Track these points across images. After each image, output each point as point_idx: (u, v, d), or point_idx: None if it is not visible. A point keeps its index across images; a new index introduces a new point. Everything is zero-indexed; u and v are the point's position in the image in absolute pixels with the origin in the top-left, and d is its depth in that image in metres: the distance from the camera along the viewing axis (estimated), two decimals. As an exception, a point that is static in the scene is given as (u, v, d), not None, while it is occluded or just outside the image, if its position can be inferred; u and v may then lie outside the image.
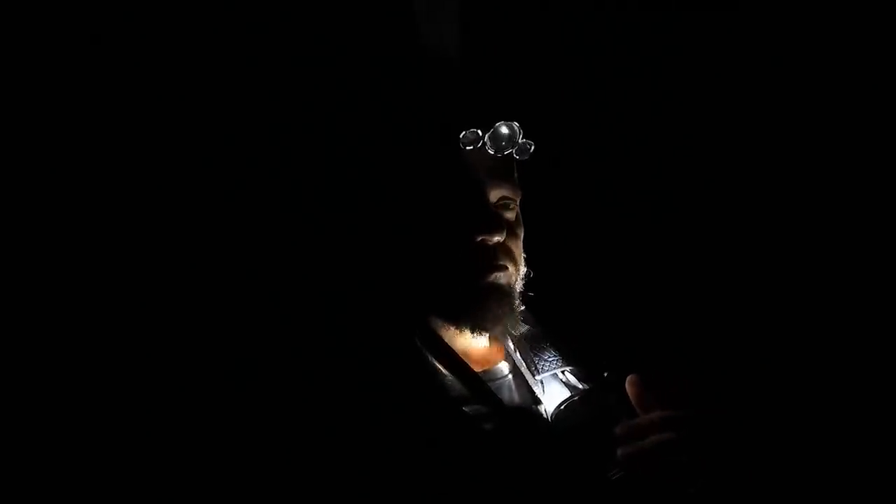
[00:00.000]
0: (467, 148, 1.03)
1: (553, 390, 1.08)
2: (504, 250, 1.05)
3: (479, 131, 1.02)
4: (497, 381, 1.07)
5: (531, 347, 1.13)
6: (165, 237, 1.27)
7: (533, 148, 1.06)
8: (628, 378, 0.90)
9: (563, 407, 1.01)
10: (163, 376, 1.23)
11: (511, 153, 1.05)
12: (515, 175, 1.09)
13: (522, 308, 1.09)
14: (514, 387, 1.08)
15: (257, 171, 1.30)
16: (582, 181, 1.44)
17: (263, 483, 0.96)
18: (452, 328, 1.06)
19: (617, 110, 1.45)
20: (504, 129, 1.02)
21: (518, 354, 1.12)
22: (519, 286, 1.08)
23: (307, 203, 1.28)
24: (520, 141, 1.04)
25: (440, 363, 1.04)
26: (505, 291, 1.05)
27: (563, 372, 1.11)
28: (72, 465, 1.19)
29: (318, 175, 1.25)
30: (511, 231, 1.06)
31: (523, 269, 1.10)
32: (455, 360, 1.04)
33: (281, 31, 1.30)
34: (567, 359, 1.13)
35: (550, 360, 1.12)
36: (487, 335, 1.08)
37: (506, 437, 0.96)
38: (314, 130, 1.26)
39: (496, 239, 1.03)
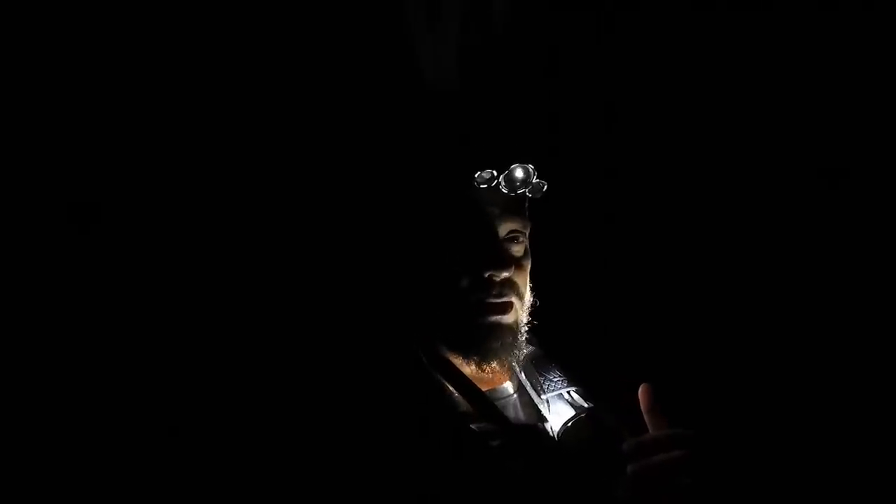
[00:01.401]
0: (481, 187, 1.07)
1: (559, 409, 1.14)
2: (510, 284, 1.10)
3: (495, 172, 1.07)
4: (503, 400, 1.13)
5: (536, 368, 1.19)
6: (185, 254, 1.32)
7: (546, 187, 1.11)
8: (641, 386, 0.94)
9: (569, 424, 1.07)
10: (168, 386, 1.28)
11: (525, 192, 1.10)
12: (526, 208, 1.14)
13: (526, 338, 1.14)
14: (519, 405, 1.14)
15: (276, 195, 1.34)
16: (581, 206, 1.50)
17: (272, 497, 1.01)
18: (459, 358, 1.11)
19: (620, 140, 1.51)
20: (519, 173, 1.07)
21: (523, 374, 1.18)
22: (524, 318, 1.13)
23: (325, 230, 1.32)
24: (534, 181, 1.09)
25: (448, 382, 1.09)
26: (510, 329, 1.10)
27: (568, 392, 1.17)
28: (72, 465, 1.22)
29: (337, 205, 1.30)
30: (518, 264, 1.11)
31: (529, 300, 1.14)
32: (462, 380, 1.09)
33: (298, 65, 1.35)
34: (572, 379, 1.19)
35: (555, 380, 1.18)
36: (488, 367, 1.11)
37: (513, 454, 1.00)
38: (334, 163, 1.32)
39: (504, 275, 1.08)
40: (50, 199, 1.29)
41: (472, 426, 1.02)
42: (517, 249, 1.12)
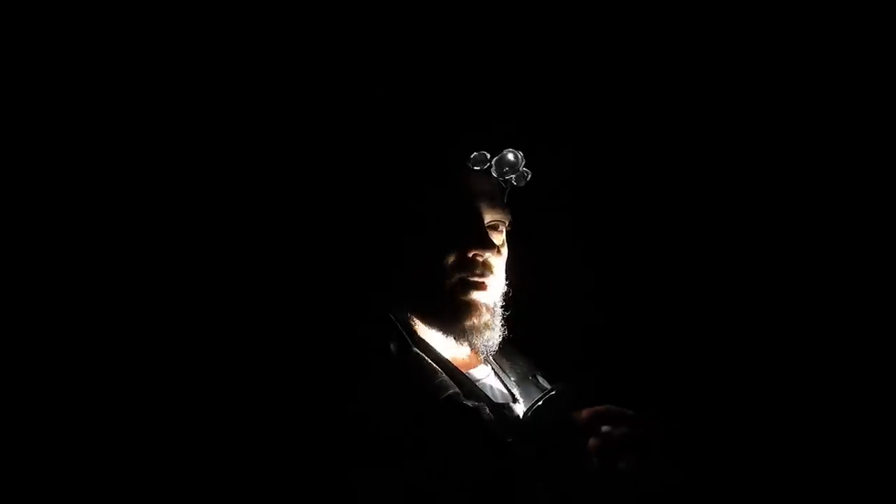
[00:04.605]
0: (474, 168, 1.14)
1: (526, 391, 1.19)
2: (490, 266, 1.15)
3: (488, 154, 1.14)
4: (479, 383, 1.15)
5: (502, 351, 1.22)
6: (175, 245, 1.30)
7: (530, 177, 1.19)
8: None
9: (540, 403, 1.09)
10: (156, 377, 1.25)
11: (510, 179, 1.17)
12: (506, 201, 1.20)
13: (502, 322, 1.18)
14: (493, 387, 1.18)
15: (262, 179, 1.34)
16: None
17: (285, 478, 0.99)
18: (438, 334, 1.14)
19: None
20: (510, 156, 1.15)
21: (492, 358, 1.22)
22: (499, 303, 1.18)
23: (314, 211, 1.33)
24: (521, 168, 1.16)
25: (434, 363, 1.09)
26: (487, 308, 1.14)
27: (533, 375, 1.23)
28: (71, 465, 1.19)
29: (328, 186, 1.31)
30: (498, 251, 1.16)
31: (503, 288, 1.19)
32: (447, 363, 1.11)
33: (296, 43, 1.38)
34: (533, 363, 1.25)
35: (520, 363, 1.24)
36: (467, 344, 1.14)
37: (501, 431, 1.02)
38: (328, 142, 1.34)
39: (487, 255, 1.13)
40: (49, 199, 1.27)
41: (467, 403, 1.03)
42: (497, 238, 1.18)
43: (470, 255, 1.12)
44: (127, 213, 1.31)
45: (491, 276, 1.15)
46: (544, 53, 1.46)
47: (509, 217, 1.20)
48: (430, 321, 1.14)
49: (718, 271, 1.59)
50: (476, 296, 1.13)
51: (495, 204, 1.16)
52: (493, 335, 1.16)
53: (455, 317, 1.12)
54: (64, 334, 1.24)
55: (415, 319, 1.15)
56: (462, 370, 1.13)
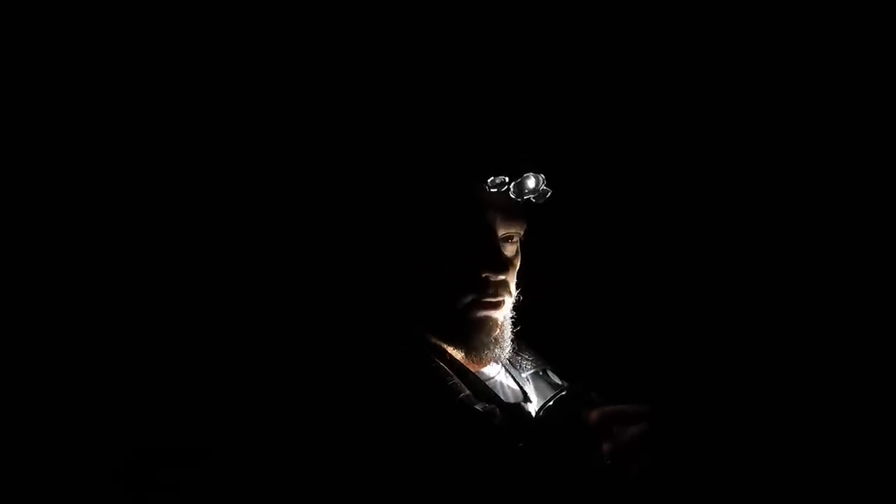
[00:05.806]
0: (491, 191, 1.11)
1: (539, 387, 1.23)
2: (503, 284, 1.15)
3: (507, 178, 1.10)
4: (490, 381, 1.20)
5: (513, 348, 1.24)
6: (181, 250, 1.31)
7: (550, 194, 1.16)
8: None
9: (551, 403, 1.12)
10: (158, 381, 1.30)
11: (531, 199, 1.14)
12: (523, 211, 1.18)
13: (512, 335, 1.19)
14: (504, 386, 1.22)
15: (278, 195, 1.33)
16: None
17: (294, 481, 1.04)
18: (450, 348, 1.17)
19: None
20: (531, 182, 1.11)
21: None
22: (510, 314, 1.19)
23: (330, 225, 1.33)
24: (542, 188, 1.13)
25: (444, 366, 1.13)
26: (499, 324, 1.16)
27: (544, 371, 1.27)
28: (71, 465, 1.23)
29: (344, 201, 1.30)
30: (511, 264, 1.17)
31: (515, 297, 1.20)
32: (457, 364, 1.14)
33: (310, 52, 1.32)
34: (543, 358, 1.29)
35: (530, 359, 1.28)
36: (479, 357, 1.17)
37: (513, 432, 1.05)
38: (340, 159, 1.31)
39: (500, 277, 1.13)
40: (50, 199, 1.26)
41: (477, 407, 1.06)
42: (511, 250, 1.17)
43: (482, 276, 1.12)
44: (141, 227, 1.32)
45: (505, 294, 1.16)
46: (559, 63, 1.39)
47: (525, 226, 1.18)
48: (442, 337, 1.16)
49: (723, 272, 1.59)
50: (487, 313, 1.14)
51: (510, 216, 1.14)
52: (504, 348, 1.18)
53: (466, 335, 1.14)
54: (70, 338, 1.27)
55: (430, 333, 1.16)
56: (473, 369, 1.16)
